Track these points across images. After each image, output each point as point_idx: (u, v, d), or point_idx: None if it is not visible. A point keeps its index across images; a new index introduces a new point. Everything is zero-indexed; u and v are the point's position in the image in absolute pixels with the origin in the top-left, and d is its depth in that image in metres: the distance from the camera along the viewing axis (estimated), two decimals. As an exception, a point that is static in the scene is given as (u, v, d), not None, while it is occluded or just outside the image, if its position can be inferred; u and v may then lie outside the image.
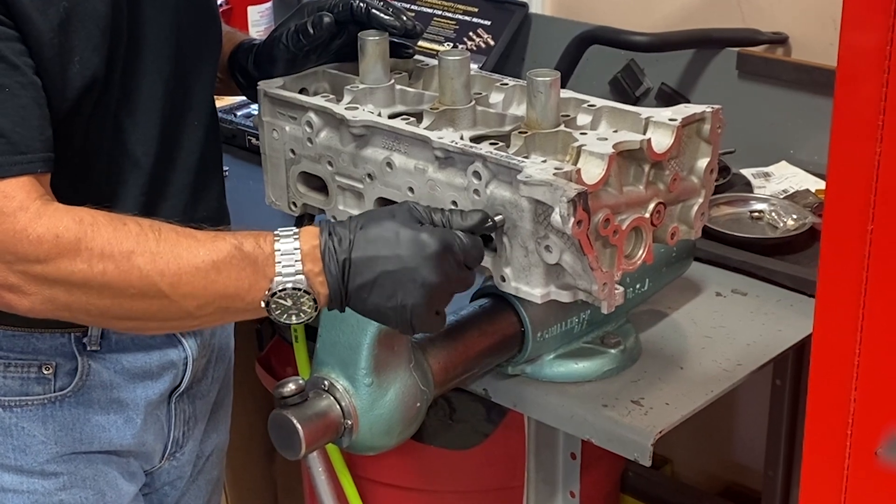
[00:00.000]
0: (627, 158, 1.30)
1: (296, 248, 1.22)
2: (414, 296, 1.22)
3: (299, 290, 1.21)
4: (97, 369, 1.40)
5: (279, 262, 1.22)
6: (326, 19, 1.45)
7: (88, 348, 1.39)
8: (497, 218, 1.28)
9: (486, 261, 1.31)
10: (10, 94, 1.19)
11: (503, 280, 1.31)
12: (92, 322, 1.30)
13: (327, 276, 1.22)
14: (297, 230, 1.24)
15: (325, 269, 1.22)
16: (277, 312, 1.22)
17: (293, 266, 1.21)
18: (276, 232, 1.24)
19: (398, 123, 1.37)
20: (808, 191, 1.98)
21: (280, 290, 1.21)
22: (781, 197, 1.97)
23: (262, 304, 1.22)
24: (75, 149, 1.30)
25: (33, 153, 1.20)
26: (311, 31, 1.46)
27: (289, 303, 1.22)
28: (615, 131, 1.34)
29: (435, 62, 1.48)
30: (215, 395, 1.59)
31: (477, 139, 1.34)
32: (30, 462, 1.40)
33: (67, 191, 1.25)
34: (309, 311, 1.22)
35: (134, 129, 1.35)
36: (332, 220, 1.31)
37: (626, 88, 2.29)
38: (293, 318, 1.23)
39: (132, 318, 1.23)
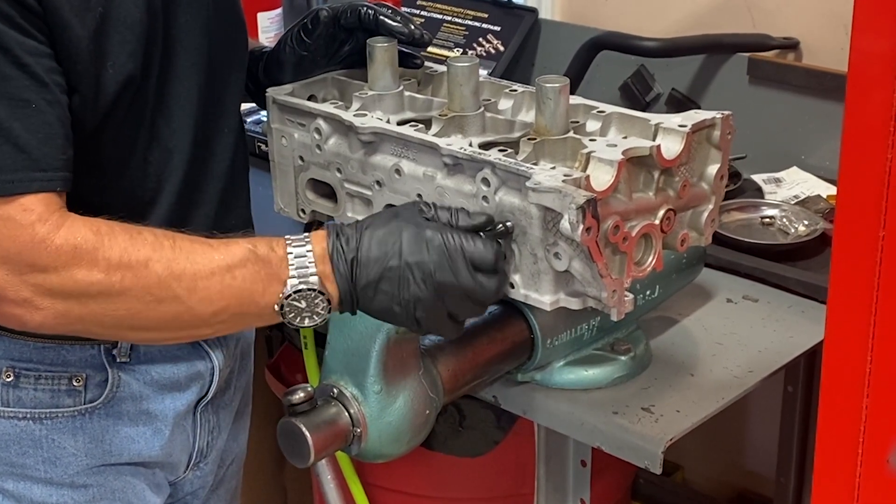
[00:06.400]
0: (637, 165, 1.30)
1: (308, 251, 1.23)
2: (416, 291, 1.22)
3: (313, 290, 1.22)
4: (127, 381, 1.40)
5: (292, 265, 1.22)
6: (323, 13, 1.46)
7: (118, 360, 1.38)
8: (507, 224, 1.28)
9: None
10: (36, 110, 1.19)
11: (512, 287, 1.31)
12: (104, 335, 1.29)
13: (336, 276, 1.23)
14: (308, 235, 1.24)
15: (334, 269, 1.23)
16: (291, 316, 1.23)
17: (306, 268, 1.22)
18: (287, 237, 1.24)
19: (407, 130, 1.37)
20: (819, 196, 1.97)
21: (294, 293, 1.22)
22: (792, 203, 1.97)
23: (276, 308, 1.22)
24: (110, 156, 1.30)
25: (53, 171, 1.20)
26: (311, 26, 1.47)
27: (303, 305, 1.22)
28: (625, 137, 1.34)
29: (444, 68, 1.47)
30: (237, 404, 1.59)
31: (486, 146, 1.34)
32: (60, 474, 1.39)
33: (101, 199, 1.26)
34: (322, 312, 1.23)
35: (171, 136, 1.35)
36: (339, 223, 1.31)
37: (637, 94, 2.29)
38: (306, 320, 1.23)
39: (146, 328, 1.23)
